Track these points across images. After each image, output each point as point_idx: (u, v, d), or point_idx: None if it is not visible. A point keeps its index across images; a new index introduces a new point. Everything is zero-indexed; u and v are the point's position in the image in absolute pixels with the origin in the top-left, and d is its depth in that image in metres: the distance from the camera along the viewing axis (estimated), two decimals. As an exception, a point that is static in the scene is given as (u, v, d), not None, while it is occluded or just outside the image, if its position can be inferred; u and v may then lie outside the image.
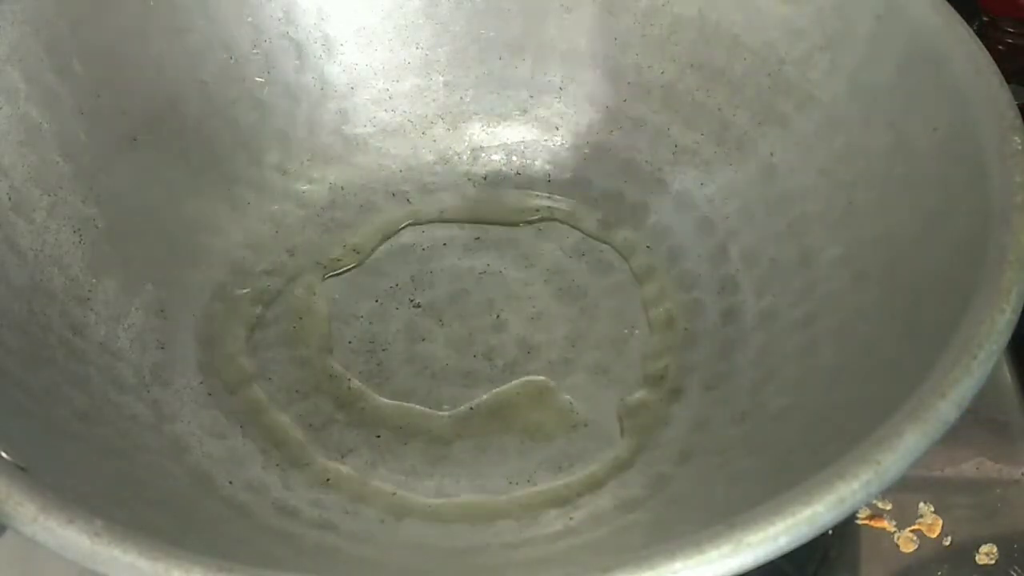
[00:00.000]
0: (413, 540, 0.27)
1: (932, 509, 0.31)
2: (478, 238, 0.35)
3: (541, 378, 0.31)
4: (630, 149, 0.35)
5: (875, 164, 0.29)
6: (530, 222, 0.35)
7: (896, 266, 0.26)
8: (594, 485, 0.28)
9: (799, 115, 0.31)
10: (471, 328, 0.32)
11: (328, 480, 0.28)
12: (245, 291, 0.33)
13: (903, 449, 0.19)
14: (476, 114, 0.37)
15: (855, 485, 0.19)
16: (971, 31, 0.28)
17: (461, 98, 0.37)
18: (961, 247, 0.24)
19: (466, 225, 0.35)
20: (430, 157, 0.37)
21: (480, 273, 0.34)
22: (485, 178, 0.36)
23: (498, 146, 0.37)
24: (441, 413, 0.30)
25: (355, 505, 0.27)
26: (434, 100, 0.37)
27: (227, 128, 0.34)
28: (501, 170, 0.36)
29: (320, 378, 0.31)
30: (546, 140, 0.37)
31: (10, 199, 0.28)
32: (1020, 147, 0.24)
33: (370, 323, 0.32)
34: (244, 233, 0.34)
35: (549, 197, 0.36)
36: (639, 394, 0.30)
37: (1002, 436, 0.32)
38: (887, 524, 0.30)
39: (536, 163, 0.36)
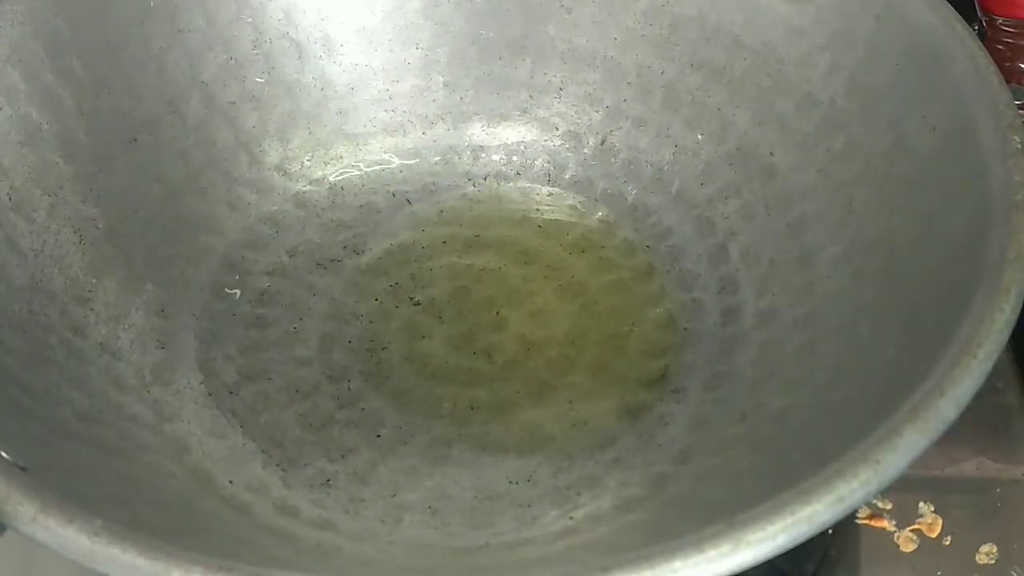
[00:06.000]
0: (413, 540, 0.27)
1: (932, 509, 0.31)
2: (478, 236, 0.35)
3: (541, 376, 0.31)
4: (630, 149, 0.35)
5: (875, 164, 0.29)
6: (530, 221, 0.35)
7: (896, 265, 0.26)
8: (594, 485, 0.28)
9: (799, 115, 0.31)
10: (471, 326, 0.32)
11: (328, 480, 0.28)
12: (245, 291, 0.33)
13: (902, 448, 0.19)
14: (476, 114, 0.37)
15: (854, 484, 0.19)
16: (971, 31, 0.28)
17: (461, 98, 0.37)
18: (961, 246, 0.24)
19: (466, 224, 0.35)
20: (430, 157, 0.37)
21: (480, 271, 0.34)
22: (485, 178, 0.36)
23: (498, 146, 0.37)
24: (441, 412, 0.30)
25: (355, 505, 0.27)
26: (434, 100, 0.37)
27: (227, 128, 0.34)
28: (501, 170, 0.36)
29: (320, 378, 0.31)
30: (546, 140, 0.37)
31: (10, 199, 0.28)
32: (1020, 147, 0.25)
33: (370, 322, 0.32)
34: (244, 233, 0.34)
35: (549, 196, 0.36)
36: (639, 393, 0.30)
37: (1002, 436, 0.32)
38: (887, 524, 0.30)
39: (536, 163, 0.36)
